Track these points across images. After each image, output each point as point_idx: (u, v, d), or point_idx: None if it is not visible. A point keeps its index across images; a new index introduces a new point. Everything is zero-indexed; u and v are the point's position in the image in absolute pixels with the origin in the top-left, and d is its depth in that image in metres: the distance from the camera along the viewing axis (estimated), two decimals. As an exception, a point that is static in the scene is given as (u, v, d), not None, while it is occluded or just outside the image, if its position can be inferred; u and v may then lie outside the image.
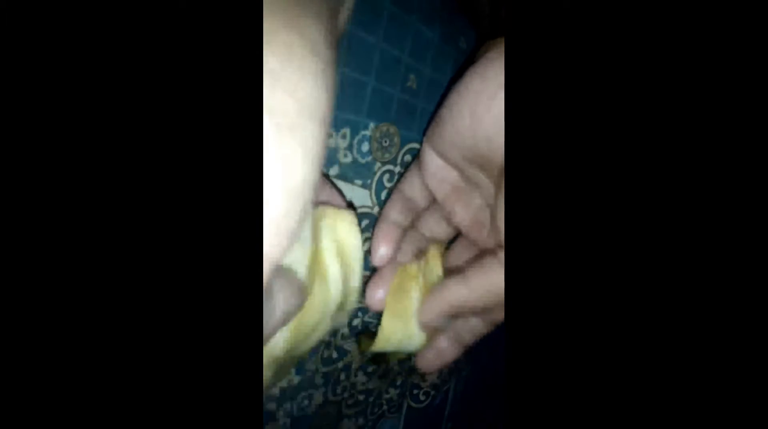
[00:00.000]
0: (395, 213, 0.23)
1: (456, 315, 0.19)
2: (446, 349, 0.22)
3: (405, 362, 0.35)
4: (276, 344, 0.18)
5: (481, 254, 0.19)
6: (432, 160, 0.22)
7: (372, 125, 0.25)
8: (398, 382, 0.36)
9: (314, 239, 0.18)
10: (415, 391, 0.38)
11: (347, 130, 0.24)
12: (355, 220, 0.21)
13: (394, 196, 0.24)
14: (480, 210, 0.22)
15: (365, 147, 0.25)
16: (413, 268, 0.21)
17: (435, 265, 0.21)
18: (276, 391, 0.27)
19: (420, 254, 0.22)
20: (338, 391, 0.30)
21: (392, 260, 0.23)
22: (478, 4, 0.26)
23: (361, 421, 0.33)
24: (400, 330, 0.20)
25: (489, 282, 0.18)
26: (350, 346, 0.30)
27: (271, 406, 0.27)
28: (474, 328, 0.22)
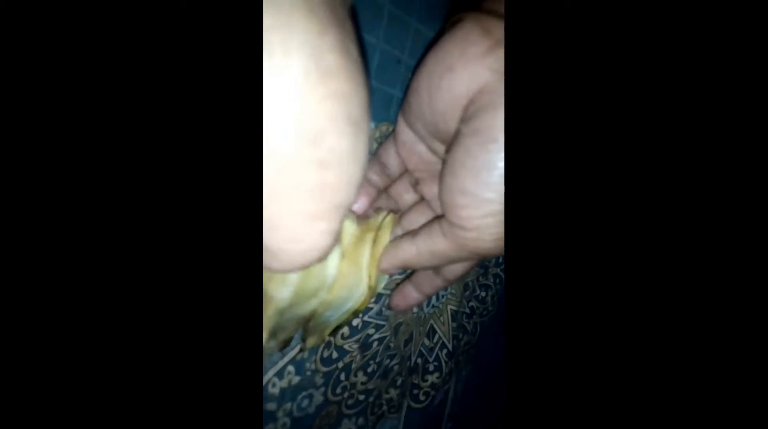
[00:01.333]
0: (372, 174, 0.26)
1: (406, 268, 0.23)
2: (410, 294, 0.27)
3: (405, 362, 0.35)
4: (282, 297, 0.20)
5: (432, 220, 0.22)
6: (404, 131, 0.24)
7: (372, 125, 0.25)
8: (398, 382, 0.36)
9: None
10: (415, 391, 0.38)
11: (347, 130, 0.24)
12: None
13: (372, 160, 0.26)
14: None
15: (365, 147, 0.25)
16: (372, 222, 0.24)
17: (385, 232, 0.24)
18: (276, 391, 0.27)
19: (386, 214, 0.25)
20: (338, 391, 0.31)
21: (365, 215, 0.25)
22: (477, 4, 0.26)
23: (361, 421, 0.33)
24: (354, 274, 0.23)
25: (431, 245, 0.21)
26: (350, 346, 0.30)
27: (271, 406, 0.27)
28: (432, 282, 0.26)
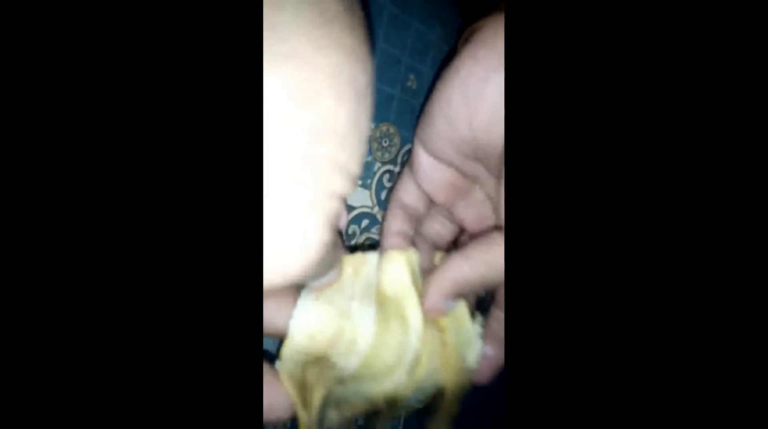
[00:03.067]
0: (398, 223, 0.22)
1: (459, 292, 0.19)
2: (491, 354, 0.21)
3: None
4: (347, 365, 0.17)
5: (482, 235, 0.19)
6: (425, 160, 0.21)
7: (372, 125, 0.25)
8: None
9: (384, 277, 0.19)
10: (415, 391, 0.38)
11: (347, 130, 0.24)
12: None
13: (393, 206, 0.23)
14: (482, 205, 0.22)
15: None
16: (445, 321, 0.20)
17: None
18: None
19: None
20: (338, 391, 0.30)
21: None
22: (477, 4, 0.26)
23: (361, 420, 0.33)
24: (435, 338, 0.19)
25: (489, 255, 0.17)
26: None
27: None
28: (502, 319, 0.21)
